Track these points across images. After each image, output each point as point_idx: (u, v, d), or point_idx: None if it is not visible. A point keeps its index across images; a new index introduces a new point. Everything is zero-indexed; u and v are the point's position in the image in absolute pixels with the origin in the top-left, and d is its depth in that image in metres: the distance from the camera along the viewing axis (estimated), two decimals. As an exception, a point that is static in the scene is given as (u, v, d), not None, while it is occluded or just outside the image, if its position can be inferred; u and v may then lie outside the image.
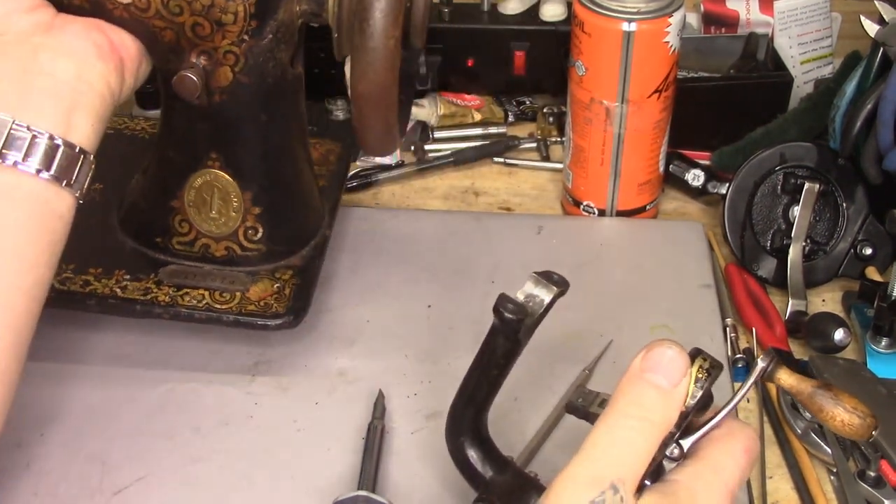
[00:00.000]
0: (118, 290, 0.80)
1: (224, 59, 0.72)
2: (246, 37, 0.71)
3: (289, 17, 0.72)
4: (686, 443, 0.56)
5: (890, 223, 0.91)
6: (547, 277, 0.64)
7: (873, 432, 0.56)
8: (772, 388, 0.82)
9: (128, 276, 0.81)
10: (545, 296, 0.64)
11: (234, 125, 0.76)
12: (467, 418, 0.67)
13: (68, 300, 0.80)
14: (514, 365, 0.66)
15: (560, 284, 0.64)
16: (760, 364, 0.57)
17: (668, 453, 0.55)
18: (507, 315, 0.62)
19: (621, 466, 0.53)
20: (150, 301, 0.79)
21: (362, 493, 0.70)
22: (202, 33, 0.70)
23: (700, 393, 0.55)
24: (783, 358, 0.84)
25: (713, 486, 0.54)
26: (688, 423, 0.56)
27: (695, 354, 0.56)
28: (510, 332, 0.63)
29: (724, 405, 0.57)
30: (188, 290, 0.80)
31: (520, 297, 0.64)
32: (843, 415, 0.56)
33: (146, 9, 0.69)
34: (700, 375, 0.55)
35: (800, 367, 0.83)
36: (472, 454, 0.67)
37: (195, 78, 0.70)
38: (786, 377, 0.58)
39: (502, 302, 0.62)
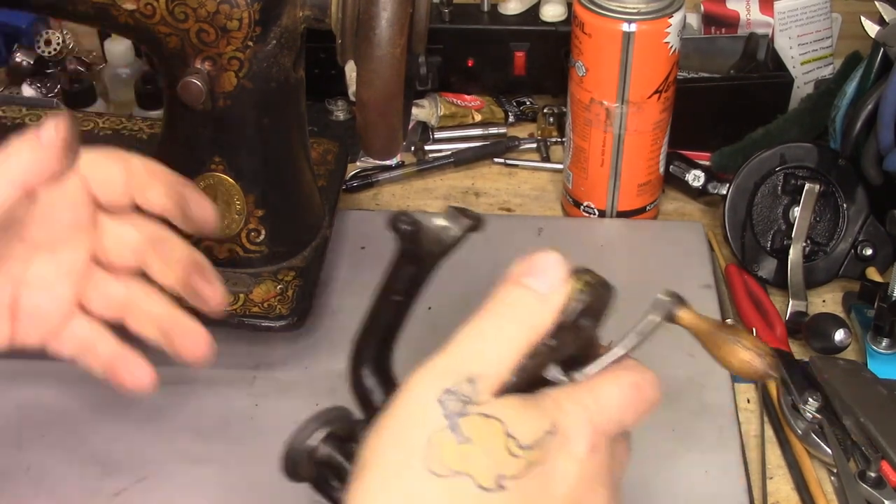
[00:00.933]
0: (122, 293, 0.80)
1: (228, 64, 0.72)
2: (250, 43, 0.71)
3: (292, 22, 0.72)
4: (579, 376, 0.54)
5: (890, 224, 0.91)
6: (462, 212, 0.62)
7: (771, 372, 0.55)
8: (772, 388, 0.83)
9: (131, 279, 0.81)
10: (457, 229, 0.62)
11: (237, 129, 0.76)
12: (370, 349, 0.65)
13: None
14: (418, 296, 0.64)
15: (473, 219, 0.62)
16: (662, 298, 0.56)
17: (549, 376, 0.54)
18: (403, 227, 0.60)
19: (482, 362, 0.51)
20: (154, 304, 0.80)
21: None
22: (207, 39, 0.71)
23: (581, 307, 0.53)
24: (784, 359, 0.84)
25: (586, 407, 0.52)
26: (568, 342, 0.54)
27: (581, 271, 0.55)
28: (410, 252, 0.62)
29: (622, 337, 0.56)
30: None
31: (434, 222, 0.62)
32: (742, 352, 0.55)
33: (151, 15, 0.70)
34: (583, 288, 0.54)
35: (801, 368, 0.83)
36: (370, 385, 0.64)
37: (200, 84, 0.71)
38: (686, 315, 0.57)
39: (396, 215, 0.60)
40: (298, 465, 0.58)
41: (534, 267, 0.54)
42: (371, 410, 0.63)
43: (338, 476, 0.58)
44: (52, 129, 0.58)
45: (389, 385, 0.65)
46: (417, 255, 0.62)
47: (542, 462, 0.49)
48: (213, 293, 0.67)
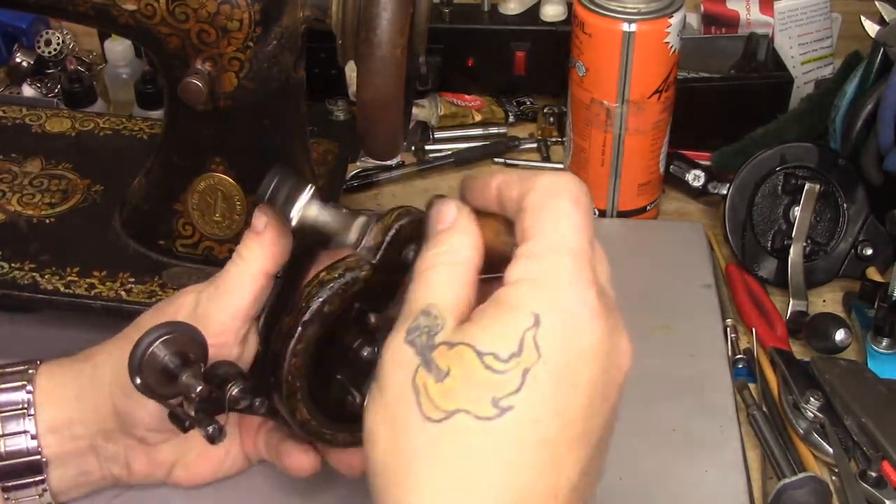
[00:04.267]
0: (123, 294, 0.80)
1: (229, 65, 0.72)
2: (251, 43, 0.71)
3: (293, 23, 0.72)
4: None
5: (890, 224, 0.91)
6: (346, 209, 0.65)
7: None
8: (773, 386, 0.83)
9: (132, 279, 0.81)
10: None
11: (237, 130, 0.76)
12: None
13: (74, 304, 0.80)
14: (300, 276, 0.67)
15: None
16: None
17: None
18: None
19: (430, 293, 0.52)
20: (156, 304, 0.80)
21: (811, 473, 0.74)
22: (208, 40, 0.71)
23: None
24: (785, 358, 0.84)
25: (551, 263, 0.50)
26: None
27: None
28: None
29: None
30: (192, 293, 0.81)
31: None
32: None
33: (152, 16, 0.70)
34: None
35: (802, 368, 0.83)
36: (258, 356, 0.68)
37: (201, 84, 0.70)
38: None
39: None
40: (143, 370, 0.59)
41: (434, 217, 0.57)
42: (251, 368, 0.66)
43: (173, 376, 0.59)
44: (261, 217, 0.65)
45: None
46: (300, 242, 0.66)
47: (542, 359, 0.48)
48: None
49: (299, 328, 0.60)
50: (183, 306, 0.66)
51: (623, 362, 0.51)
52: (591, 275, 0.50)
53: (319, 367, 0.63)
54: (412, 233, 0.61)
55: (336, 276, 0.60)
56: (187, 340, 0.60)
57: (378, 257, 0.60)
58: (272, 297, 0.67)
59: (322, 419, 0.64)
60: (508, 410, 0.47)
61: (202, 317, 0.64)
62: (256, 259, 0.65)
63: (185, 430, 0.61)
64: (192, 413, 0.60)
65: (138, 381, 0.59)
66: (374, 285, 0.61)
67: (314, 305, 0.60)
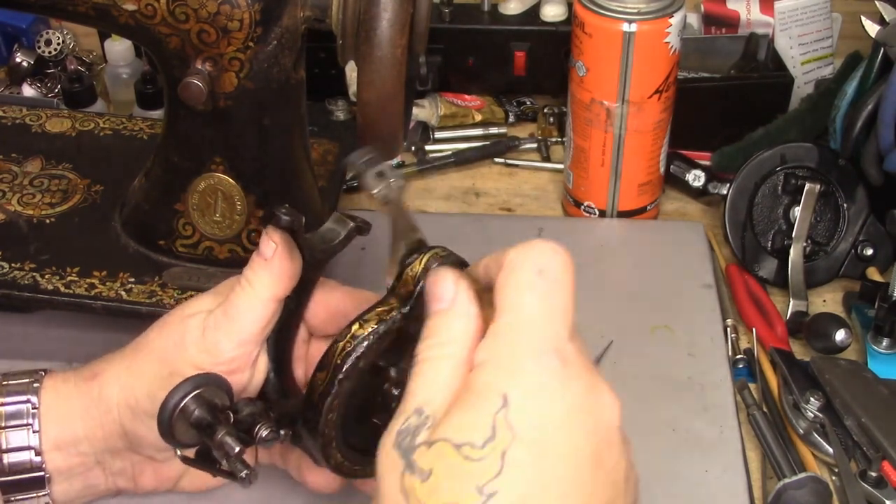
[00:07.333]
0: (123, 293, 0.80)
1: (229, 65, 0.72)
2: (251, 43, 0.71)
3: (293, 23, 0.72)
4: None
5: (890, 223, 0.91)
6: (349, 217, 0.67)
7: None
8: (773, 386, 0.83)
9: (132, 279, 0.81)
10: (342, 232, 0.66)
11: (238, 130, 0.76)
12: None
13: (74, 304, 0.80)
14: (308, 294, 0.68)
15: (359, 223, 0.67)
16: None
17: None
18: (284, 217, 0.62)
19: (425, 390, 0.52)
20: (155, 304, 0.80)
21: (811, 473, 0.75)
22: (208, 40, 0.71)
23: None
24: (785, 356, 0.84)
25: (515, 345, 0.50)
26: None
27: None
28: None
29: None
30: (193, 293, 0.80)
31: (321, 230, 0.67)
32: None
33: (152, 16, 0.70)
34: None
35: (802, 368, 0.83)
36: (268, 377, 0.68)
37: (201, 84, 0.71)
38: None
39: (276, 210, 0.63)
40: (174, 425, 0.59)
41: (432, 293, 0.56)
42: (268, 405, 0.66)
43: (207, 432, 0.60)
44: (269, 243, 0.64)
45: (285, 382, 0.68)
46: (305, 256, 0.65)
47: (517, 437, 0.47)
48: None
49: (336, 386, 0.60)
50: (190, 329, 0.65)
51: (609, 418, 0.51)
52: (551, 342, 0.50)
53: (351, 410, 0.63)
54: None
55: (369, 329, 0.60)
56: (213, 391, 0.61)
57: (409, 306, 0.60)
58: (282, 318, 0.67)
59: (354, 457, 0.64)
60: (493, 495, 0.46)
61: (211, 345, 0.64)
62: (265, 285, 0.64)
63: (215, 475, 0.62)
64: (225, 463, 0.60)
65: (179, 453, 0.60)
66: (404, 332, 0.61)
67: (350, 362, 0.60)
